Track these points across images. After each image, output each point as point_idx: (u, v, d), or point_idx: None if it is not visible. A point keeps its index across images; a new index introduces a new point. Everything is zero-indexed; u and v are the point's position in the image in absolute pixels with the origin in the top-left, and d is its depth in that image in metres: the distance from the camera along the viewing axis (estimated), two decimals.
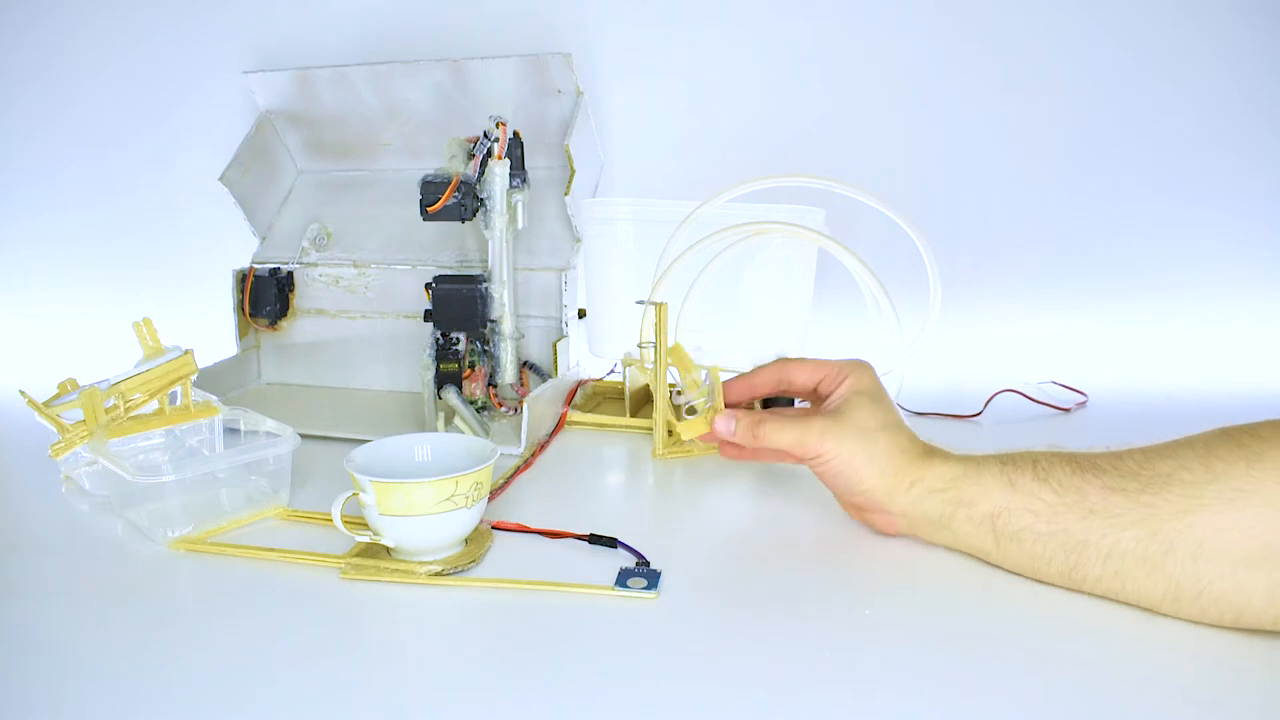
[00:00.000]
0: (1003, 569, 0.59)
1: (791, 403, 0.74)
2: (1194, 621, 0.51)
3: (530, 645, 0.52)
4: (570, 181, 0.98)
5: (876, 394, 0.64)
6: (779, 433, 0.63)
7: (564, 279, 1.00)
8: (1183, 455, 0.51)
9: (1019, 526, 0.55)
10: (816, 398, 0.68)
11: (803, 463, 0.64)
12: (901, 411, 0.67)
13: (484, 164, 0.89)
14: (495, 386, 0.94)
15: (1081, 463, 0.55)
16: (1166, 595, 0.51)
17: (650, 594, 0.57)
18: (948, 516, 0.59)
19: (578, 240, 1.01)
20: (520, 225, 0.92)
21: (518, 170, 0.92)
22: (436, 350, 0.91)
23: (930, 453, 0.61)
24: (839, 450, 0.61)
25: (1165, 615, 0.52)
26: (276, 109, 1.13)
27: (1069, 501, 0.54)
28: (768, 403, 0.74)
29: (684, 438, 0.70)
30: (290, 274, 1.11)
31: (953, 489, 0.58)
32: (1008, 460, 0.57)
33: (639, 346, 0.90)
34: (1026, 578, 0.57)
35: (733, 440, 0.67)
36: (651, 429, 0.86)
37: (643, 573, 0.59)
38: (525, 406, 0.86)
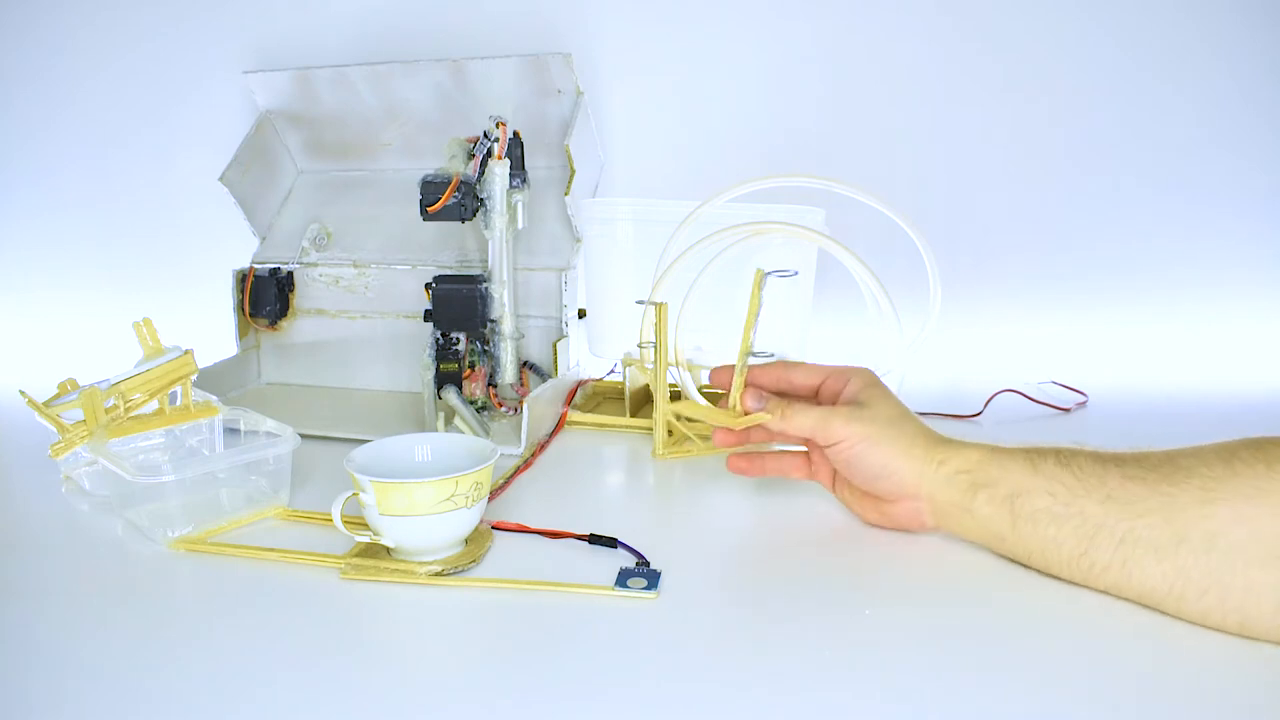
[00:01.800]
0: (1013, 557, 0.59)
1: None
2: (1198, 623, 0.51)
3: (530, 645, 0.52)
4: (570, 181, 0.98)
5: (886, 392, 0.66)
6: (804, 415, 0.64)
7: (564, 279, 1.00)
8: (1205, 454, 0.53)
9: (1037, 508, 0.56)
10: (818, 401, 0.68)
11: (824, 449, 0.64)
12: None
13: (484, 164, 0.89)
14: (495, 386, 0.94)
15: (1104, 455, 0.56)
16: (1173, 589, 0.51)
17: (650, 594, 0.57)
18: (969, 498, 0.60)
19: (578, 240, 1.01)
20: (520, 225, 0.92)
21: (518, 170, 0.92)
22: (436, 350, 0.91)
23: (952, 439, 0.63)
24: (866, 432, 0.62)
25: (1169, 614, 0.52)
26: (276, 109, 1.13)
27: (1089, 486, 0.55)
28: None
29: (711, 423, 0.70)
30: (290, 274, 1.11)
31: (978, 470, 0.60)
32: (1031, 448, 0.59)
33: (639, 346, 0.90)
34: (1035, 568, 0.58)
35: (761, 412, 0.67)
36: (651, 429, 0.86)
37: (643, 573, 0.59)
38: (525, 406, 0.86)
